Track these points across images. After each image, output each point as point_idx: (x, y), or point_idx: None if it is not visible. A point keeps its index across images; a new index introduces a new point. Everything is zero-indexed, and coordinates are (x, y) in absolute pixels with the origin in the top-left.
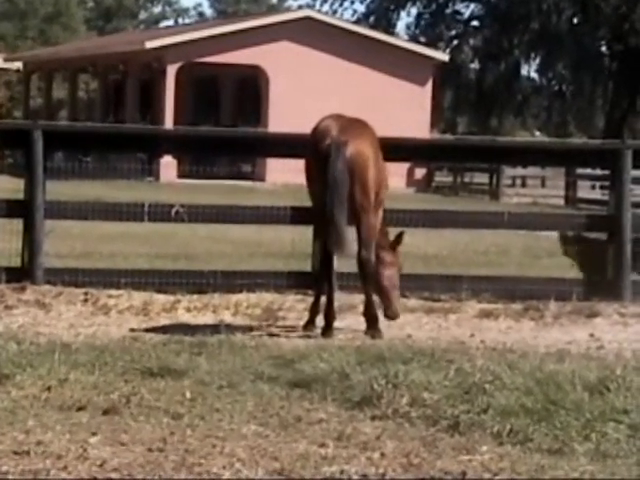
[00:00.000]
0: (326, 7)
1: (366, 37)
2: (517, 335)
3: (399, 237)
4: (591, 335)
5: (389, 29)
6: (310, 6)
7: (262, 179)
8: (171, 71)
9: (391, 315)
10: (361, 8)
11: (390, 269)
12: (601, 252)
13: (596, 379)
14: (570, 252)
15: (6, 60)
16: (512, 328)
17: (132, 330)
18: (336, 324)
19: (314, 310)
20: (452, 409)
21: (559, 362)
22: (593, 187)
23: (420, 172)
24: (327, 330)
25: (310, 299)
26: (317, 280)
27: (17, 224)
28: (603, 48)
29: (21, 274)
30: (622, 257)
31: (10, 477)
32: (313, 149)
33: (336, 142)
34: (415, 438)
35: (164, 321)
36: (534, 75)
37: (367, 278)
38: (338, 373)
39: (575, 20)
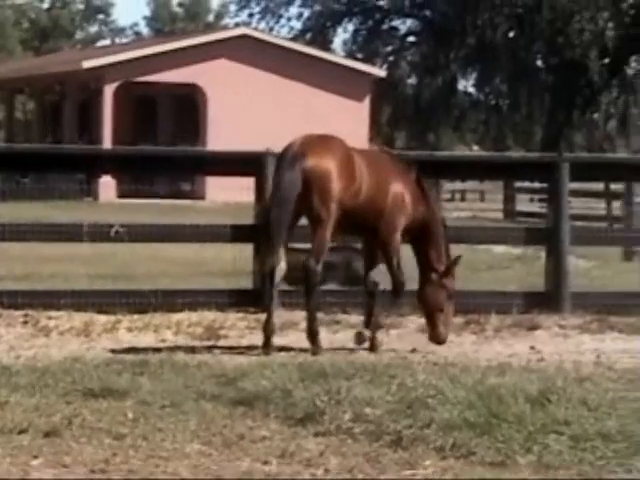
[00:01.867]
0: (263, 24)
1: (303, 54)
2: (458, 349)
3: (455, 260)
4: (532, 348)
5: (326, 45)
6: (247, 24)
7: (202, 197)
8: (109, 91)
9: (433, 339)
10: (298, 25)
11: (439, 292)
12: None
13: (537, 391)
14: None
15: None
16: (453, 342)
17: (73, 351)
18: (278, 341)
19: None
20: (395, 424)
21: (500, 375)
22: (531, 200)
23: None
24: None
25: (251, 316)
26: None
27: None
28: (539, 62)
29: None
30: (561, 269)
31: None
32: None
33: (292, 154)
34: (358, 454)
35: (105, 341)
36: (471, 89)
37: (309, 289)
38: (280, 390)
39: (511, 34)
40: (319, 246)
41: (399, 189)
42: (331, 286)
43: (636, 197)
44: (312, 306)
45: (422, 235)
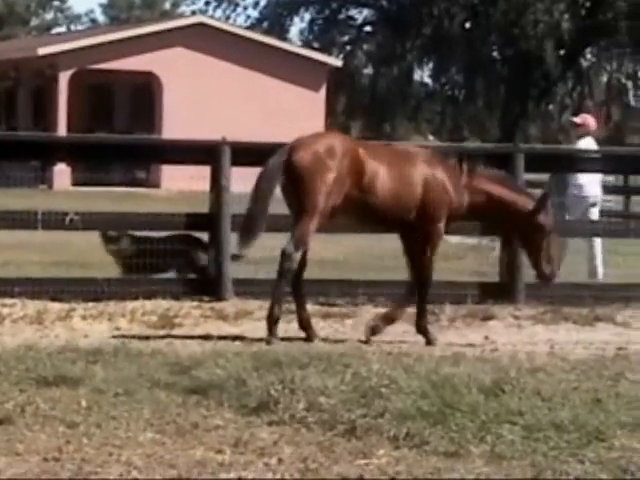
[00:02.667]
0: (219, 13)
1: (259, 43)
2: (413, 339)
3: (544, 197)
4: (486, 338)
5: (283, 35)
6: (203, 12)
7: (157, 186)
8: (64, 78)
9: (540, 278)
10: (254, 14)
11: (533, 232)
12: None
13: (491, 381)
14: (111, 250)
15: None
16: (408, 332)
17: (27, 339)
18: (232, 330)
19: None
20: (349, 413)
21: (454, 365)
22: None
23: None
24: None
25: (206, 305)
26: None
27: None
28: (495, 53)
29: None
30: (515, 260)
31: None
32: None
33: (282, 148)
34: (312, 443)
35: (59, 330)
36: (427, 80)
37: (281, 275)
38: (235, 379)
39: (467, 25)
40: (299, 236)
41: (433, 180)
42: (170, 275)
43: (574, 188)
44: (279, 292)
45: (490, 210)
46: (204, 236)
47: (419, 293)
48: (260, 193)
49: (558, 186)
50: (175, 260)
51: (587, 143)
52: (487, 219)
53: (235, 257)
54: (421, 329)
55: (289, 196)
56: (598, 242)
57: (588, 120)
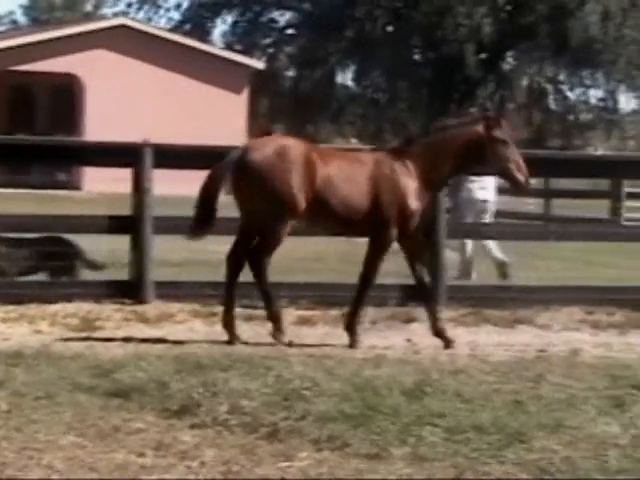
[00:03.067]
0: (141, 15)
1: (182, 45)
2: (335, 341)
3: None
4: (408, 340)
5: (205, 37)
6: (125, 14)
7: (78, 188)
8: None
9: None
10: (177, 16)
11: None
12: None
13: (413, 383)
14: None
15: None
16: (330, 334)
17: None
18: (154, 333)
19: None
20: (271, 416)
21: (376, 367)
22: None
23: None
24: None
25: (128, 308)
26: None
27: None
28: (417, 56)
29: None
30: (437, 262)
31: None
32: None
33: (240, 147)
34: (234, 446)
35: None
36: (350, 83)
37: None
38: (156, 382)
39: (389, 28)
40: (262, 245)
41: (392, 183)
42: (42, 276)
43: (465, 191)
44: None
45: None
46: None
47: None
48: (207, 194)
49: (452, 189)
50: (45, 263)
51: None
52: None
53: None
54: (350, 328)
55: (240, 198)
56: (469, 244)
57: None
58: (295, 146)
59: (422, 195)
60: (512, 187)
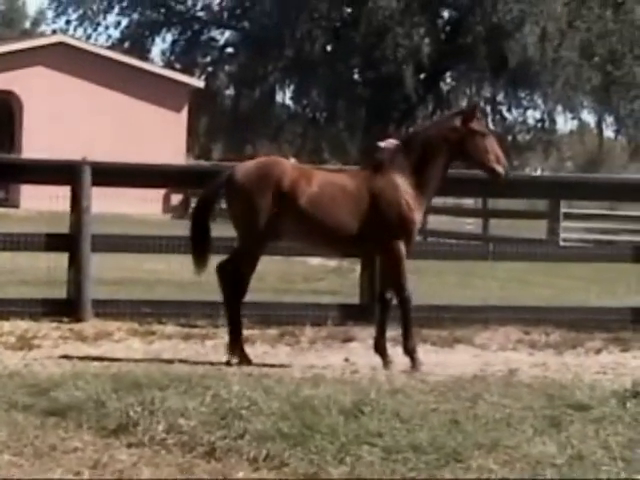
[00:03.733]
0: (80, 32)
1: (121, 63)
2: (273, 360)
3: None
4: (346, 359)
5: (144, 55)
6: (64, 31)
7: (16, 206)
8: None
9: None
10: (116, 34)
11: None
12: None
13: (351, 403)
14: None
15: None
16: (268, 353)
17: None
18: (92, 351)
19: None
20: (209, 435)
21: (314, 387)
22: None
23: (176, 198)
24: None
25: (65, 326)
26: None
27: None
28: (356, 76)
29: None
30: (374, 283)
31: None
32: None
33: (229, 169)
34: (172, 465)
35: None
36: (289, 102)
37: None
38: (94, 401)
39: (328, 48)
40: (236, 253)
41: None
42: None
43: None
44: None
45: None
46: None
47: (404, 312)
48: (198, 215)
49: None
50: None
51: None
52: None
53: None
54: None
55: (231, 218)
56: None
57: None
58: (281, 167)
59: (421, 204)
60: (490, 178)
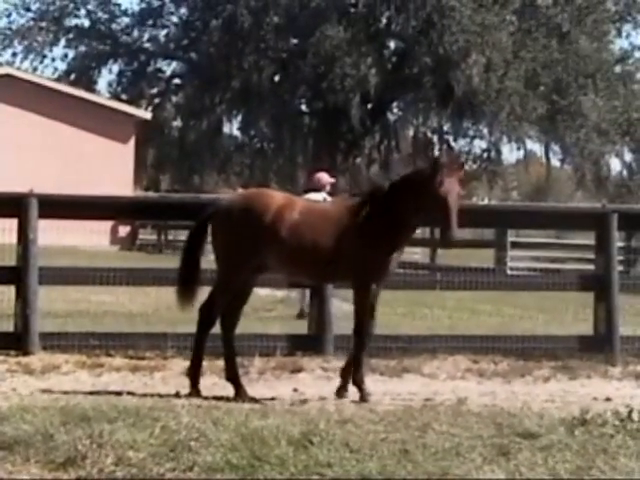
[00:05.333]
0: (27, 64)
1: (67, 95)
2: (222, 391)
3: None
4: (295, 390)
5: (90, 87)
6: (10, 63)
7: None
8: None
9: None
10: (62, 66)
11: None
12: None
13: (300, 433)
14: None
15: None
16: (217, 384)
17: None
18: (40, 384)
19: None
20: (158, 467)
21: (264, 418)
22: None
23: (124, 230)
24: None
25: (12, 359)
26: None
27: None
28: (303, 106)
29: None
30: (324, 312)
31: None
32: None
33: (216, 203)
34: None
35: None
36: (236, 133)
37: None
38: (42, 434)
39: (276, 78)
40: (214, 293)
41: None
42: None
43: None
44: (229, 352)
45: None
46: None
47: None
48: (188, 249)
49: None
50: None
51: (316, 196)
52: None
53: None
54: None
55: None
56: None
57: (323, 178)
58: (268, 199)
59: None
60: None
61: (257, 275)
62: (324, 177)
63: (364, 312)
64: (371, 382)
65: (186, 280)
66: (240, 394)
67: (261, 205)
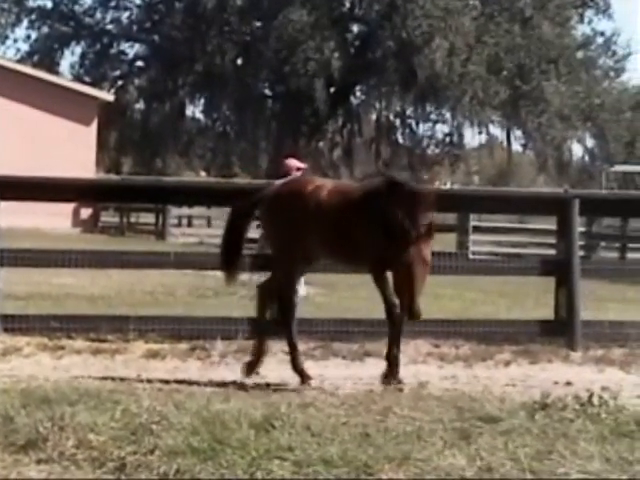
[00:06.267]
0: None
1: (30, 76)
2: (184, 375)
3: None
4: (257, 373)
5: (53, 68)
6: None
7: None
8: None
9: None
10: (25, 47)
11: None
12: None
13: (261, 417)
14: None
15: None
16: (179, 368)
17: None
18: (1, 367)
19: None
20: (119, 450)
21: (225, 401)
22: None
23: (86, 212)
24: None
25: None
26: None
27: None
28: (266, 90)
29: None
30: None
31: None
32: None
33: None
34: None
35: None
36: (199, 116)
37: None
38: (2, 416)
39: (239, 62)
40: (274, 279)
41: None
42: None
43: None
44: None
45: None
46: None
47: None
48: (231, 229)
49: None
50: None
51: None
52: None
53: None
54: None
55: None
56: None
57: (291, 162)
58: (314, 185)
59: None
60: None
61: (306, 265)
62: (294, 162)
63: (386, 296)
64: (333, 366)
65: (229, 260)
66: (304, 379)
67: (309, 191)
